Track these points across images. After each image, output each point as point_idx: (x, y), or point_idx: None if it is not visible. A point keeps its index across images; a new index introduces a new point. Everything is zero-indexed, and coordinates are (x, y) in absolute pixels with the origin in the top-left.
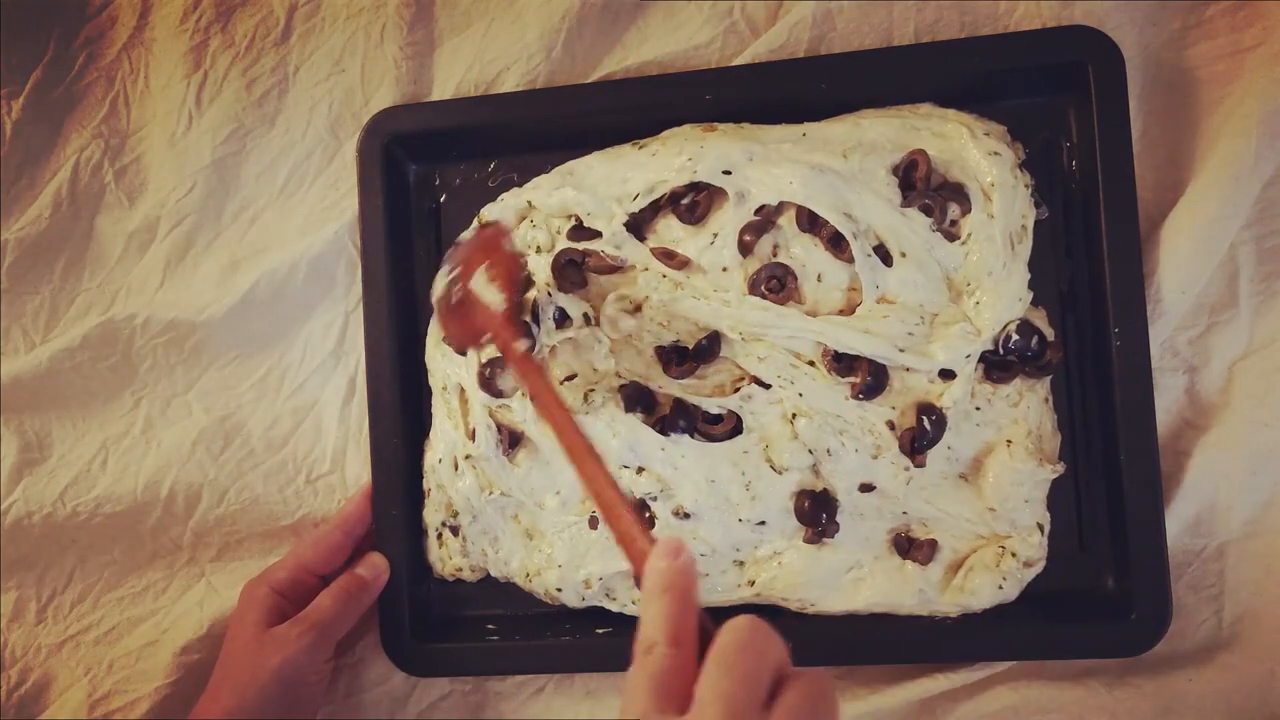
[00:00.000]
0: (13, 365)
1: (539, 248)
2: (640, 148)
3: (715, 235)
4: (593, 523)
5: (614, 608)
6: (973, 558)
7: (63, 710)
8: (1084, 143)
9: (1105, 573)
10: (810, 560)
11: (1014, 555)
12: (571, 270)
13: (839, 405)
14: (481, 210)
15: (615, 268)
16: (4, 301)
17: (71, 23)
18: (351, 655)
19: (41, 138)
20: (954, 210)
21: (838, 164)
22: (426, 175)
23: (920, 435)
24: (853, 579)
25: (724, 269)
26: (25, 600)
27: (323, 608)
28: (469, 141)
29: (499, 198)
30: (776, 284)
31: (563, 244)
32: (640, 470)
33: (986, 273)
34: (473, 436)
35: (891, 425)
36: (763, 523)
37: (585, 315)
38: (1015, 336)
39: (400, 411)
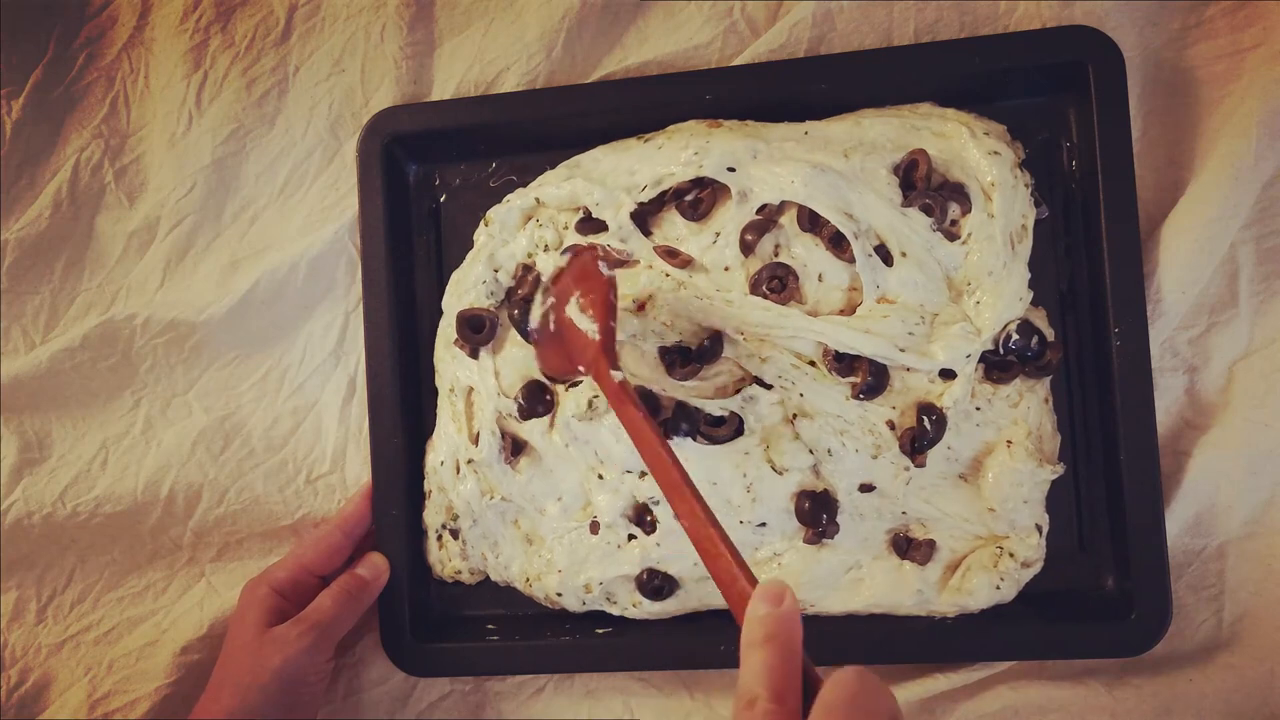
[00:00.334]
0: (13, 365)
1: (546, 246)
2: (646, 141)
3: (717, 234)
4: (593, 528)
5: (615, 611)
6: (970, 558)
7: (63, 710)
8: (1084, 143)
9: (1105, 573)
10: (810, 561)
11: (1012, 556)
12: None
13: (840, 405)
14: (488, 212)
15: (621, 262)
16: (4, 301)
17: (71, 23)
18: (351, 655)
19: (41, 138)
20: (954, 210)
21: (839, 163)
22: (426, 175)
23: (920, 435)
24: (852, 579)
25: (726, 268)
26: (25, 600)
27: (323, 608)
28: (469, 141)
29: (504, 199)
30: (778, 284)
31: (570, 237)
32: (643, 474)
33: (987, 272)
34: (476, 441)
35: (892, 425)
36: (764, 524)
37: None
38: (1015, 336)
39: (400, 412)
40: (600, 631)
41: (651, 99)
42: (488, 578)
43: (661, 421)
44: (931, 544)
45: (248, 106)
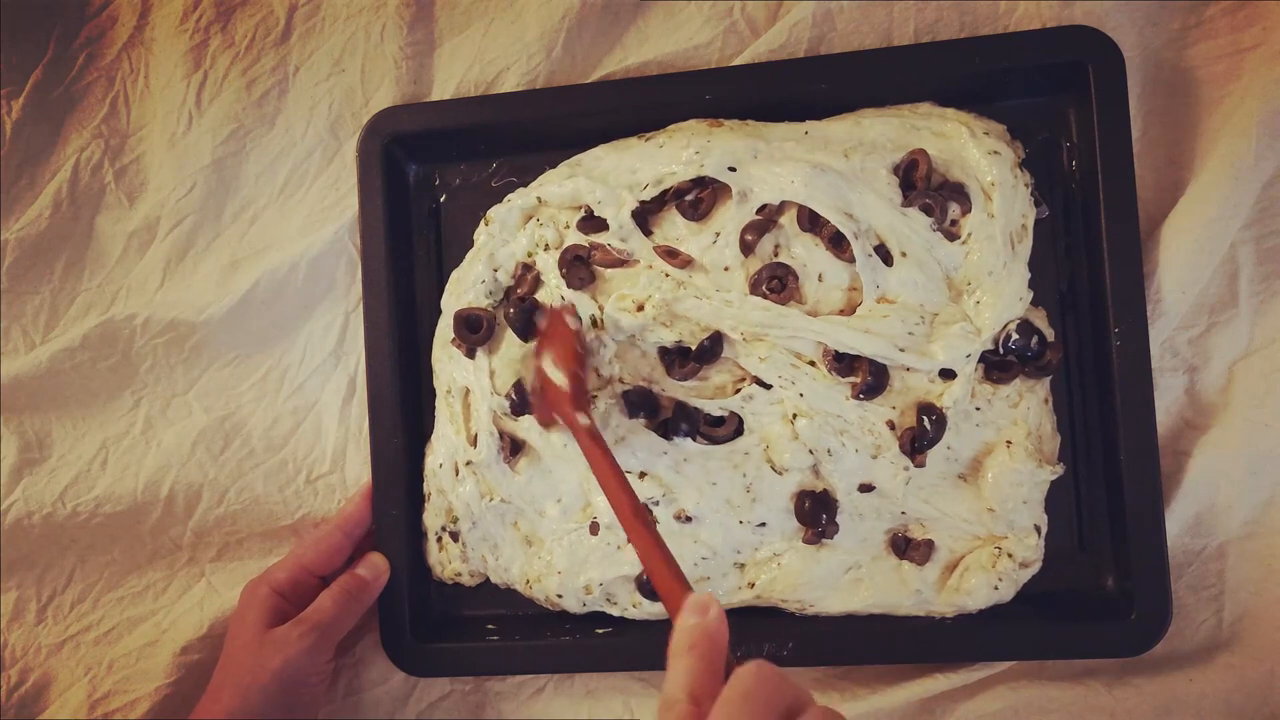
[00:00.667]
0: (13, 365)
1: (547, 245)
2: (647, 140)
3: (717, 234)
4: (593, 529)
5: (615, 612)
6: (968, 558)
7: (63, 710)
8: (1084, 143)
9: (1105, 573)
10: (809, 561)
11: (1010, 556)
12: (579, 266)
13: (839, 405)
14: (488, 212)
15: (621, 261)
16: (4, 301)
17: (71, 23)
18: (351, 655)
19: (41, 138)
20: (954, 210)
21: (839, 163)
22: (426, 175)
23: (920, 435)
24: (851, 579)
25: (725, 268)
26: (25, 600)
27: (323, 609)
28: (469, 141)
29: (505, 198)
30: (778, 284)
31: (571, 237)
32: (643, 475)
33: (987, 272)
34: (474, 443)
35: (892, 425)
36: (763, 524)
37: (593, 318)
38: (1015, 336)
39: (400, 412)
40: (600, 632)
41: (652, 99)
42: (488, 579)
43: (661, 421)
44: (930, 544)
45: (248, 106)
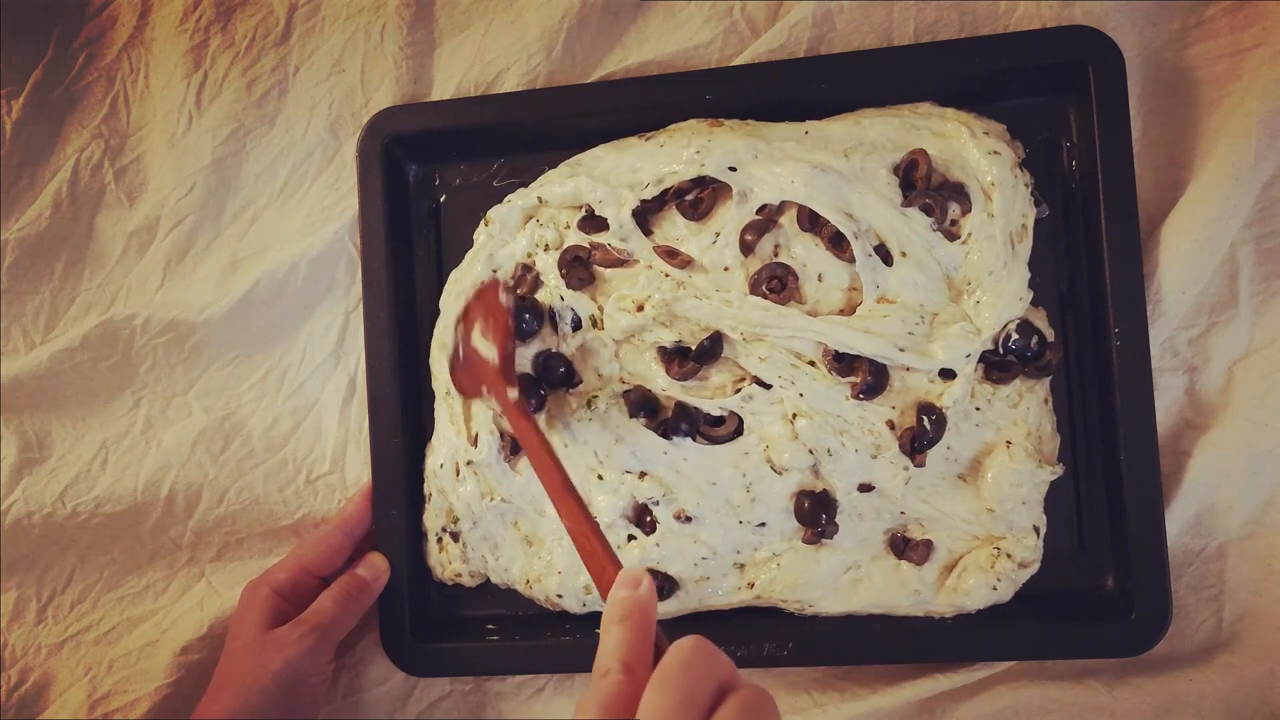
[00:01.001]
0: (13, 365)
1: (547, 245)
2: (647, 140)
3: (717, 234)
4: None
5: None
6: (967, 559)
7: (63, 710)
8: (1084, 143)
9: (1105, 573)
10: (809, 561)
11: (1009, 557)
12: (579, 267)
13: (839, 405)
14: (489, 212)
15: (621, 261)
16: (4, 301)
17: (71, 23)
18: (351, 655)
19: (41, 138)
20: (954, 210)
21: (839, 163)
22: (426, 175)
23: (920, 435)
24: (850, 579)
25: (725, 268)
26: (25, 600)
27: (323, 609)
28: (469, 141)
29: (505, 199)
30: (777, 284)
31: (571, 237)
32: (643, 475)
33: (987, 272)
34: (475, 442)
35: (891, 425)
36: (763, 524)
37: (593, 318)
38: (1015, 336)
39: (400, 411)
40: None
41: (652, 99)
42: (488, 580)
43: (661, 421)
44: (929, 544)
45: (248, 106)
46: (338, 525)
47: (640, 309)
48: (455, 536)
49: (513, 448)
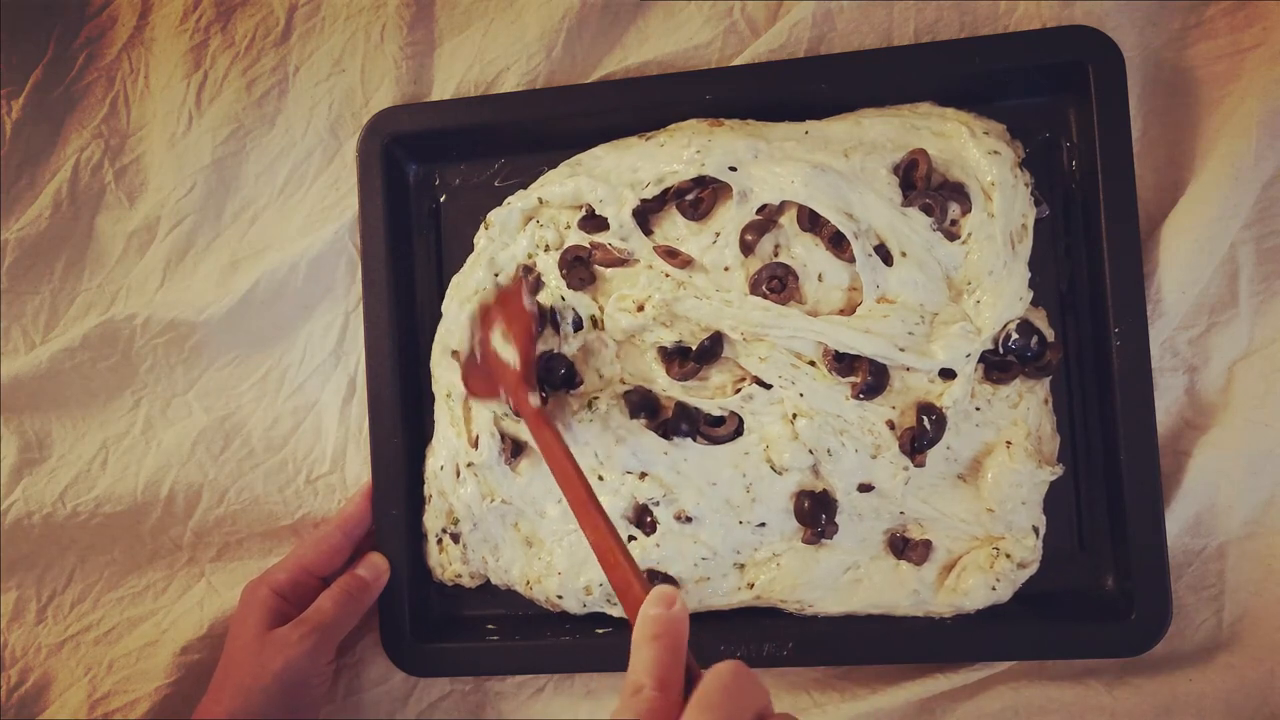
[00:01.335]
0: (13, 365)
1: (547, 246)
2: (647, 139)
3: (717, 234)
4: None
5: (615, 613)
6: (966, 559)
7: (63, 710)
8: (1084, 143)
9: (1105, 573)
10: (808, 561)
11: (1008, 557)
12: (579, 267)
13: (839, 405)
14: (488, 215)
15: (622, 261)
16: (4, 301)
17: (71, 23)
18: (351, 655)
19: (41, 138)
20: (954, 209)
21: (839, 163)
22: (426, 175)
23: (920, 435)
24: (850, 579)
25: (725, 268)
26: (25, 600)
27: (323, 610)
28: (469, 141)
29: (505, 201)
30: (778, 284)
31: (572, 237)
32: (643, 475)
33: (987, 272)
34: (476, 444)
35: (891, 425)
36: (763, 524)
37: (593, 318)
38: (1015, 336)
39: (400, 412)
40: (600, 631)
41: (652, 99)
42: (488, 581)
43: (661, 422)
44: (928, 544)
45: (248, 106)
46: (338, 525)
47: (640, 309)
48: (455, 538)
49: (513, 450)
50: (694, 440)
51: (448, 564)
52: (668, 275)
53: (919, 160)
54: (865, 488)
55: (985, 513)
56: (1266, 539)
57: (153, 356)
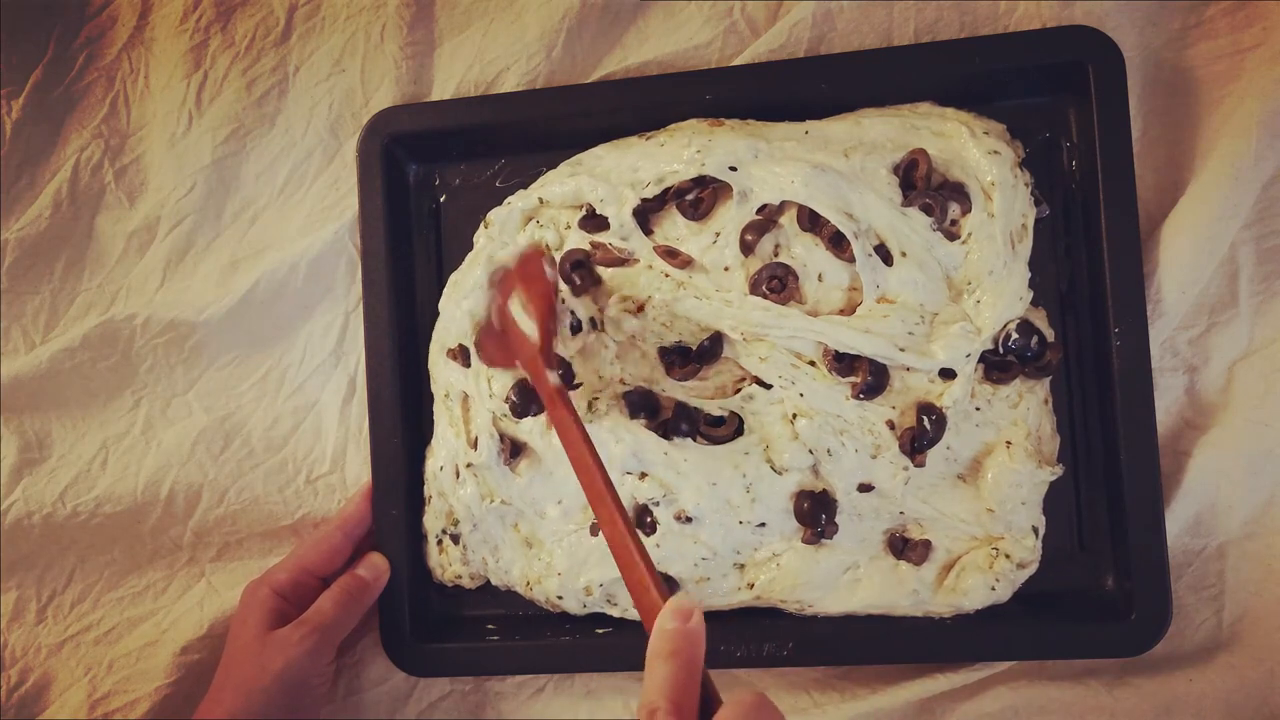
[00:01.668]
0: (13, 365)
1: (547, 246)
2: (647, 139)
3: (717, 234)
4: (593, 530)
5: (615, 613)
6: (965, 559)
7: (63, 710)
8: (1084, 142)
9: (1105, 573)
10: (808, 561)
11: (1008, 557)
12: (580, 271)
13: (839, 405)
14: (488, 214)
15: (622, 260)
16: (4, 301)
17: (71, 23)
18: (351, 655)
19: (41, 138)
20: (954, 209)
21: (839, 163)
22: (426, 175)
23: (920, 435)
24: (849, 580)
25: (725, 268)
26: (25, 600)
27: (324, 610)
28: (469, 141)
29: (505, 201)
30: (778, 284)
31: (572, 238)
32: (643, 476)
33: (987, 271)
34: (475, 445)
35: (891, 425)
36: (763, 524)
37: (593, 320)
38: (1015, 336)
39: (400, 412)
40: (600, 631)
41: (652, 99)
42: (488, 581)
43: (662, 422)
44: (927, 544)
45: (248, 106)
46: (338, 525)
47: (640, 310)
48: (455, 539)
49: (512, 451)
50: (694, 440)
51: (448, 565)
52: (668, 275)
53: (919, 160)
54: (865, 488)
55: (985, 513)
56: (1266, 539)
57: (153, 356)
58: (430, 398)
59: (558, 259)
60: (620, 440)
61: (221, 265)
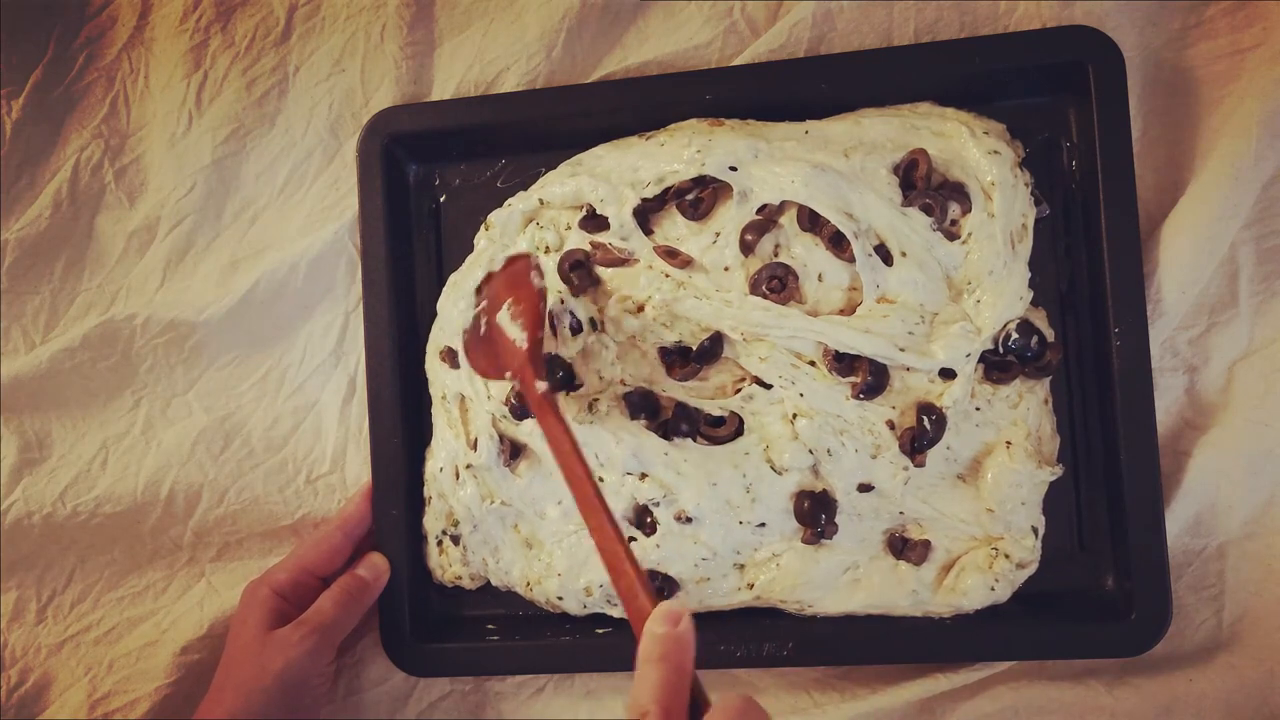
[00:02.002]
0: (13, 365)
1: (547, 248)
2: (648, 139)
3: (717, 234)
4: None
5: (615, 613)
6: (964, 559)
7: (63, 710)
8: (1084, 143)
9: (1105, 573)
10: (808, 561)
11: (1007, 557)
12: (580, 272)
13: (839, 405)
14: (489, 216)
15: (622, 261)
16: (4, 301)
17: (71, 23)
18: (351, 655)
19: (41, 138)
20: (954, 209)
21: (839, 163)
22: (426, 175)
23: (920, 435)
24: (849, 580)
25: (725, 268)
26: (25, 600)
27: (324, 610)
28: (469, 141)
29: (505, 202)
30: (778, 284)
31: (572, 238)
32: (643, 476)
33: (987, 271)
34: (474, 446)
35: (891, 425)
36: (763, 524)
37: (592, 321)
38: (1015, 336)
39: (400, 411)
40: (600, 632)
41: (652, 99)
42: (488, 582)
43: (662, 422)
44: (927, 544)
45: (248, 106)
46: (338, 525)
47: (641, 310)
48: (455, 539)
49: (512, 452)
50: (694, 441)
51: (448, 566)
52: (668, 275)
53: (919, 160)
54: (865, 488)
55: (985, 513)
56: (1266, 539)
57: (153, 356)
58: (430, 398)
59: (557, 259)
60: (620, 441)
61: (221, 265)
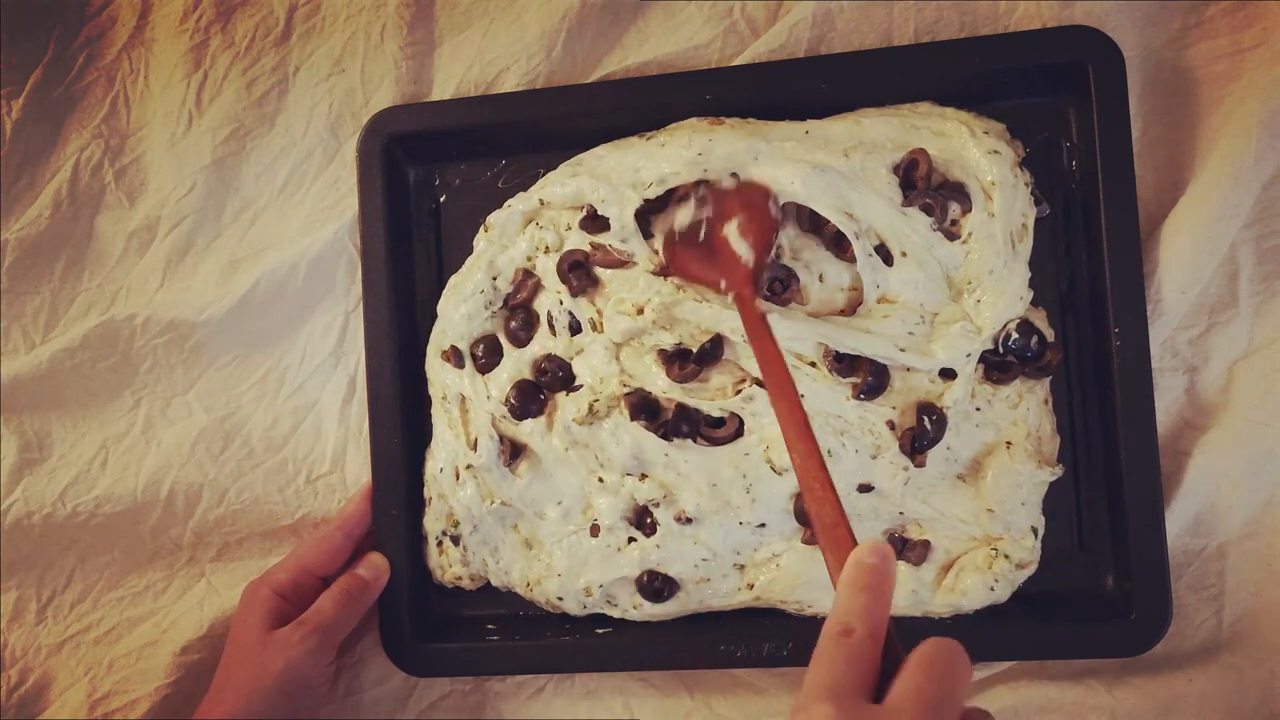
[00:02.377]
0: (13, 365)
1: (547, 248)
2: (648, 139)
3: None
4: (593, 531)
5: (615, 614)
6: (964, 559)
7: (63, 710)
8: (1084, 142)
9: (1105, 573)
10: (808, 562)
11: (1007, 557)
12: (578, 273)
13: (840, 405)
14: (488, 218)
15: (622, 262)
16: (4, 301)
17: (71, 23)
18: (351, 655)
19: (41, 138)
20: (954, 209)
21: (839, 163)
22: (426, 175)
23: (921, 435)
24: None
25: None
26: (25, 600)
27: (324, 610)
28: (469, 142)
29: (505, 204)
30: (779, 285)
31: (572, 239)
32: (643, 477)
33: (987, 271)
34: (474, 447)
35: (892, 425)
36: (763, 525)
37: (592, 321)
38: (1015, 336)
39: (400, 411)
40: (600, 632)
41: (652, 99)
42: (488, 582)
43: (662, 423)
44: (926, 544)
45: (248, 106)
46: (338, 525)
47: (640, 312)
48: (455, 540)
49: (512, 452)
50: (694, 442)
51: (448, 566)
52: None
53: (919, 160)
54: (865, 488)
55: (985, 513)
56: (1266, 539)
57: (153, 356)
58: (430, 398)
59: (557, 260)
60: (620, 442)
61: (221, 265)
